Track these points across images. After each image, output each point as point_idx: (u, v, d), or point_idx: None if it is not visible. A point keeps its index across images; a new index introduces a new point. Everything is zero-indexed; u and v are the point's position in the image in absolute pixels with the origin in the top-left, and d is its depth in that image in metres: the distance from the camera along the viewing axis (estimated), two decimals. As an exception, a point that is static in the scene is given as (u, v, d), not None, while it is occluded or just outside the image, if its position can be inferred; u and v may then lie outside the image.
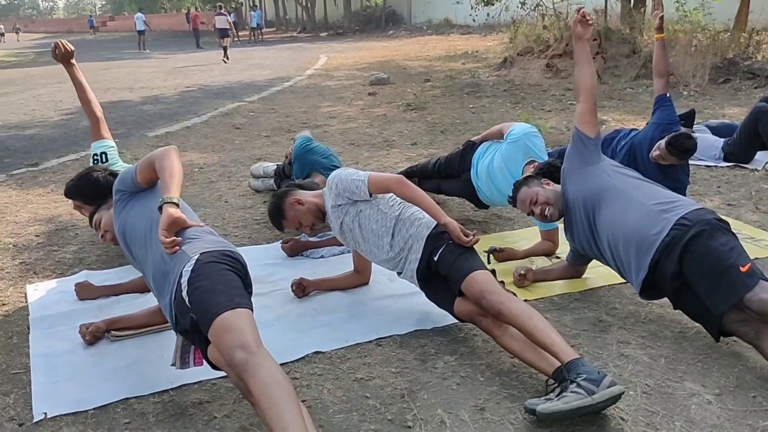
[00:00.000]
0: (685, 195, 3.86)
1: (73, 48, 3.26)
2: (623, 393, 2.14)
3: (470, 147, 4.15)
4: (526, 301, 2.83)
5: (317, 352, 2.66)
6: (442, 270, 2.73)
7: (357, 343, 2.73)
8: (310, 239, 3.72)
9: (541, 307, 3.01)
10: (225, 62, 17.85)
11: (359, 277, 3.26)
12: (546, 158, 3.69)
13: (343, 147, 6.45)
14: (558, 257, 3.63)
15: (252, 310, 2.14)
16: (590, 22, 3.03)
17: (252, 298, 2.46)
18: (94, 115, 3.24)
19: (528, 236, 3.90)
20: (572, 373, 2.20)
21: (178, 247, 2.25)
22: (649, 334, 2.78)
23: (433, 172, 4.38)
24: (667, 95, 4.16)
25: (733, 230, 2.67)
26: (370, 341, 2.75)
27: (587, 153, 2.98)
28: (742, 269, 2.43)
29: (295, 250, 3.66)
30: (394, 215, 2.86)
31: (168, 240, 2.24)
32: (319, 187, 3.53)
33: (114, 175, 2.88)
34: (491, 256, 3.55)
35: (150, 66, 18.27)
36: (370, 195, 2.86)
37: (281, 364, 2.44)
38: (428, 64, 14.64)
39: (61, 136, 7.59)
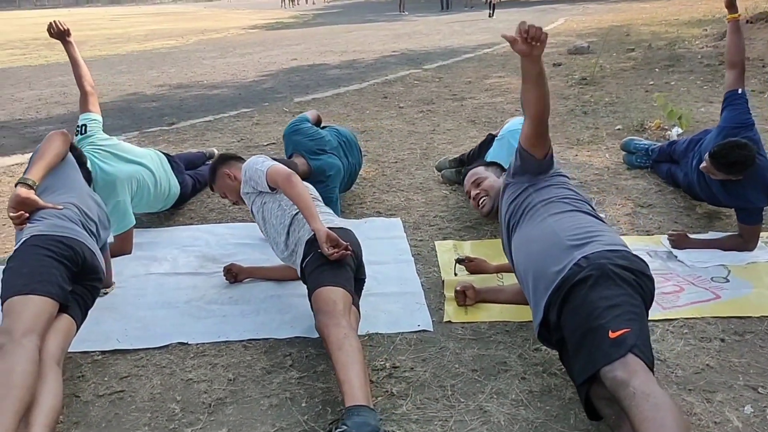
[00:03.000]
0: (756, 220, 3.12)
1: (67, 27, 3.53)
2: None
3: (489, 140, 3.74)
4: (450, 322, 2.70)
5: (182, 344, 2.65)
6: (304, 279, 2.54)
7: (227, 341, 2.67)
8: None
9: (461, 333, 2.67)
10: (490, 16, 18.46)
11: (294, 271, 3.15)
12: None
13: (458, 123, 6.16)
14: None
15: (56, 299, 2.20)
16: (534, 41, 2.27)
17: (186, 278, 2.54)
18: (84, 89, 3.51)
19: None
20: (341, 421, 1.95)
21: (22, 225, 2.41)
22: (541, 390, 2.31)
23: (466, 163, 4.05)
24: (739, 91, 3.26)
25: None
26: (241, 341, 2.67)
27: (529, 168, 2.55)
28: (611, 335, 1.91)
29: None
30: (292, 213, 2.72)
31: (14, 215, 2.40)
32: (297, 168, 3.46)
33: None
34: (458, 265, 3.17)
35: (391, 28, 18.95)
36: (270, 188, 2.74)
37: (146, 349, 2.55)
38: (662, 30, 13.05)
39: (232, 97, 8.31)
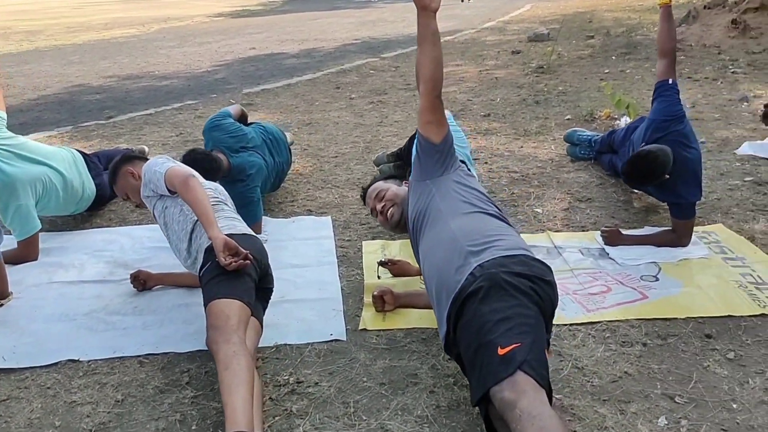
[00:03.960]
0: (688, 214, 3.03)
1: None
2: None
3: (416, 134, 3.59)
4: (365, 330, 2.60)
5: (72, 361, 2.47)
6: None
7: (122, 356, 2.49)
8: None
9: (374, 342, 2.54)
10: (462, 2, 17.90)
11: None
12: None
13: (407, 115, 6.00)
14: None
15: None
16: None
17: (92, 286, 2.74)
18: None
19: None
20: None
21: None
22: (449, 404, 2.18)
23: (403, 158, 3.91)
24: (670, 81, 3.14)
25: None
26: (137, 356, 2.50)
27: (430, 162, 2.37)
28: (500, 351, 1.78)
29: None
30: (194, 219, 2.54)
31: None
32: (222, 165, 3.29)
33: None
34: (381, 268, 3.03)
35: (358, 15, 18.66)
36: (170, 191, 2.55)
37: (33, 368, 2.36)
38: (625, 16, 12.97)
39: (180, 89, 8.05)
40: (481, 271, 2.00)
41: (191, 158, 3.09)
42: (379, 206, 2.65)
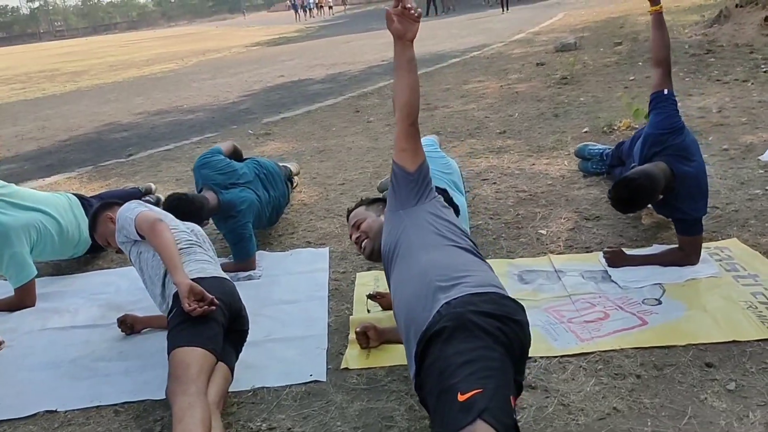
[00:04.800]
0: (694, 231, 2.92)
1: None
2: None
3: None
4: (347, 369, 2.51)
5: (50, 411, 2.46)
6: None
7: (99, 406, 2.47)
8: None
9: (355, 382, 2.46)
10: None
11: None
12: (434, 183, 2.91)
13: (427, 135, 5.91)
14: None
15: None
16: (414, 14, 2.22)
17: (82, 331, 2.75)
18: None
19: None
20: None
21: None
22: (421, 451, 2.06)
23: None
24: (665, 92, 2.98)
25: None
26: (114, 405, 2.47)
27: (404, 191, 2.29)
28: (461, 397, 1.68)
29: None
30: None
31: None
32: (209, 205, 3.28)
33: None
34: (370, 301, 2.94)
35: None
36: (141, 236, 2.54)
37: (10, 420, 2.36)
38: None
39: (203, 122, 8.17)
40: (448, 310, 1.90)
41: (169, 203, 3.07)
42: (354, 236, 2.59)
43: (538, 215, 3.82)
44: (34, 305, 3.27)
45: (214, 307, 2.27)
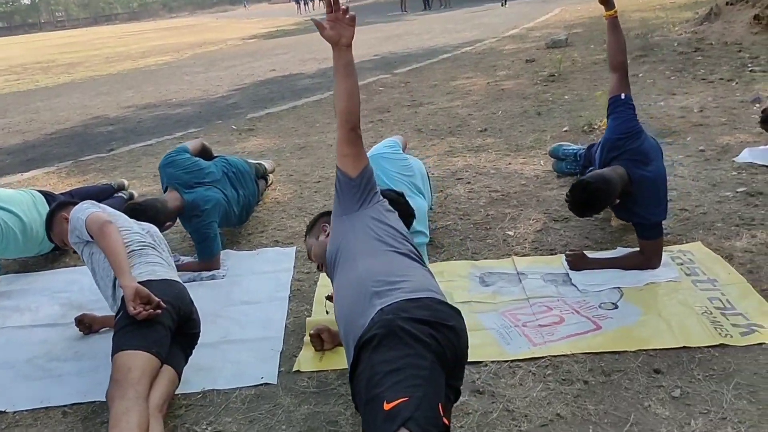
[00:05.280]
0: (653, 234, 2.94)
1: None
2: None
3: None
4: (299, 372, 2.52)
5: (1, 411, 2.46)
6: None
7: (48, 407, 2.47)
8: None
9: (305, 385, 2.47)
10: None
11: None
12: (393, 186, 2.91)
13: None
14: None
15: None
16: (347, 18, 2.17)
17: (41, 330, 2.73)
18: None
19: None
20: None
21: None
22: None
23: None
24: (623, 96, 2.97)
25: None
26: (63, 406, 2.47)
27: (347, 196, 2.28)
28: (386, 406, 1.67)
29: None
30: (118, 265, 2.49)
31: None
32: (167, 207, 3.26)
33: None
34: (329, 303, 2.93)
35: (385, 30, 18.65)
36: (92, 237, 2.53)
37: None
38: (652, 16, 12.58)
39: (190, 116, 8.14)
40: (381, 317, 1.89)
41: (128, 211, 3.04)
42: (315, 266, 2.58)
43: (507, 216, 3.81)
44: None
45: (159, 311, 2.26)
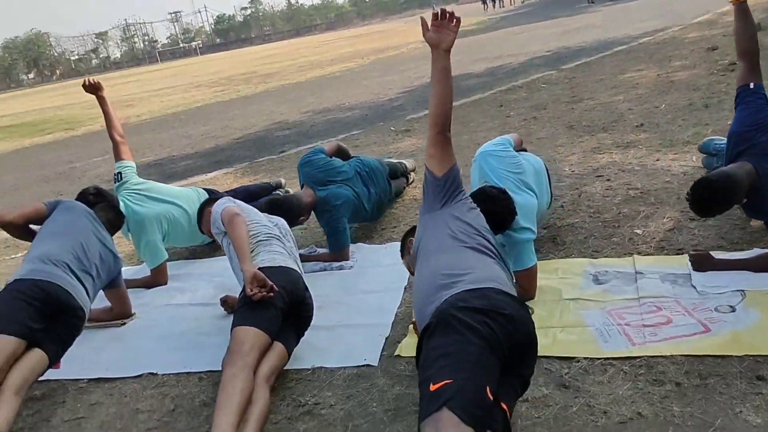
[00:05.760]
0: None
1: (98, 82, 3.99)
2: None
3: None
4: (399, 356, 2.69)
5: (152, 374, 2.93)
6: None
7: (188, 372, 2.89)
8: (301, 252, 3.83)
9: (402, 368, 2.64)
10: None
11: None
12: (499, 183, 2.99)
13: (553, 131, 5.88)
14: (529, 307, 2.93)
15: (18, 336, 2.58)
16: (453, 24, 2.35)
17: (196, 309, 3.16)
18: (115, 140, 3.93)
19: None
20: None
21: None
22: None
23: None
24: (752, 86, 2.77)
25: None
26: (200, 372, 2.88)
27: (431, 195, 2.44)
28: (432, 387, 1.83)
29: None
30: (243, 253, 2.87)
31: None
32: (302, 202, 3.61)
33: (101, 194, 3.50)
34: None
35: (564, 25, 18.20)
36: (224, 228, 2.92)
37: (122, 378, 2.87)
38: None
39: (357, 119, 8.64)
40: (442, 306, 2.03)
41: (268, 204, 3.43)
42: None
43: (640, 214, 3.69)
44: (166, 284, 3.82)
45: (272, 294, 2.56)
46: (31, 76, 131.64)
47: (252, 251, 2.84)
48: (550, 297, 2.97)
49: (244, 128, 9.77)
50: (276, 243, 2.95)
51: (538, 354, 2.46)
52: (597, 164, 4.68)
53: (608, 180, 4.32)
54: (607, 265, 3.19)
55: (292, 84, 16.25)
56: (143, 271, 3.98)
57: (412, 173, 4.87)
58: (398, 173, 4.56)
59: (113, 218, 3.38)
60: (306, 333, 2.88)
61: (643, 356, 2.44)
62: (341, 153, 4.14)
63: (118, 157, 3.94)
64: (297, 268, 2.87)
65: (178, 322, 3.35)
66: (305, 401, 2.54)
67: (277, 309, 2.61)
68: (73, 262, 2.91)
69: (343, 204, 3.71)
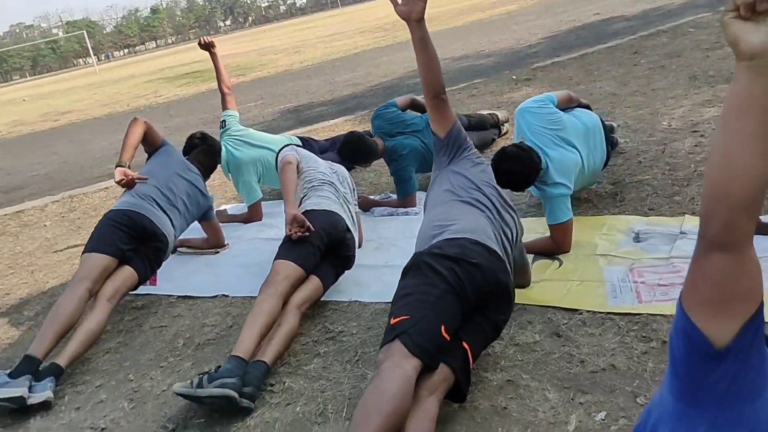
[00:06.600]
0: None
1: (211, 41, 4.44)
2: (229, 397, 2.30)
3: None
4: None
5: (224, 295, 3.45)
6: None
7: (254, 296, 3.34)
8: (375, 198, 4.14)
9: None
10: None
11: None
12: (534, 139, 3.06)
13: (675, 81, 5.59)
14: (558, 260, 3.08)
15: (110, 255, 3.16)
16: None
17: (276, 243, 3.17)
18: (223, 91, 4.38)
19: (533, 226, 3.30)
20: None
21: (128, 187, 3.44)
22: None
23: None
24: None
25: None
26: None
27: (438, 154, 2.63)
28: (392, 321, 2.10)
29: (365, 206, 4.14)
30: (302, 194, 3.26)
31: (119, 182, 3.40)
32: (374, 147, 3.91)
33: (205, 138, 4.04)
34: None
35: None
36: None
37: (202, 297, 3.42)
38: None
39: (490, 66, 8.62)
40: (417, 252, 2.25)
41: (347, 139, 3.81)
42: None
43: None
44: (260, 220, 4.33)
45: (307, 234, 2.91)
46: (227, 23, 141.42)
47: (304, 195, 3.19)
48: (584, 252, 3.04)
49: (383, 76, 10.12)
50: (328, 188, 3.26)
51: (550, 304, 2.64)
52: (699, 118, 4.45)
53: (702, 136, 4.13)
54: (655, 223, 3.17)
55: (447, 29, 16.27)
56: (244, 209, 4.51)
57: (506, 124, 4.94)
58: (487, 125, 4.67)
59: (206, 161, 3.89)
60: (353, 270, 3.21)
61: (643, 314, 2.49)
62: (415, 106, 4.33)
63: (224, 106, 4.44)
64: (342, 212, 3.16)
65: (259, 254, 3.81)
66: (333, 329, 2.89)
67: (314, 247, 2.94)
68: (159, 197, 3.44)
69: (409, 153, 3.94)
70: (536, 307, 2.70)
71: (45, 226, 5.50)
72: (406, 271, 2.20)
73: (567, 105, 3.38)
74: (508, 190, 2.94)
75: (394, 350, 1.98)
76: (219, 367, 2.45)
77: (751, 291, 0.98)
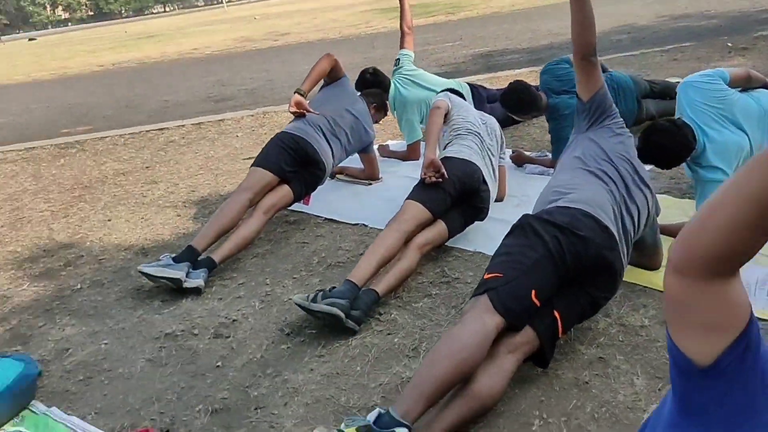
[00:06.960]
0: None
1: None
2: (336, 315, 2.51)
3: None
4: None
5: (363, 225, 3.67)
6: None
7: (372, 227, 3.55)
8: (530, 155, 4.08)
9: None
10: None
11: None
12: (693, 116, 2.83)
13: None
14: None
15: (272, 172, 3.50)
16: None
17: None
18: (403, 30, 4.37)
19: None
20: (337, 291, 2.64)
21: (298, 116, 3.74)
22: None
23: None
24: None
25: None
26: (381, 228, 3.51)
27: (579, 118, 2.58)
28: (485, 276, 2.17)
29: (518, 161, 4.11)
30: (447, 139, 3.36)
31: (293, 111, 3.70)
32: (538, 101, 3.84)
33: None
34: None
35: None
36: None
37: (343, 223, 3.69)
38: None
39: (707, 29, 7.82)
40: (528, 215, 2.26)
41: (512, 85, 3.76)
42: None
43: None
44: (418, 159, 4.45)
45: (440, 180, 2.99)
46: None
47: (449, 142, 3.26)
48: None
49: (553, 35, 9.62)
50: (472, 138, 3.29)
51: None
52: None
53: None
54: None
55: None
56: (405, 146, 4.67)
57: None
58: (672, 94, 4.33)
59: (375, 99, 4.07)
60: (485, 222, 3.26)
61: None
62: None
63: (402, 45, 4.55)
64: (481, 164, 3.18)
65: (405, 191, 3.83)
66: (450, 274, 2.99)
67: (445, 193, 3.02)
68: (325, 126, 3.68)
69: (571, 114, 3.77)
70: (657, 292, 2.59)
71: (237, 136, 6.10)
72: (512, 231, 2.21)
73: (744, 84, 3.05)
74: (652, 166, 2.78)
75: (480, 303, 2.04)
76: (334, 287, 2.66)
77: (722, 324, 0.88)
